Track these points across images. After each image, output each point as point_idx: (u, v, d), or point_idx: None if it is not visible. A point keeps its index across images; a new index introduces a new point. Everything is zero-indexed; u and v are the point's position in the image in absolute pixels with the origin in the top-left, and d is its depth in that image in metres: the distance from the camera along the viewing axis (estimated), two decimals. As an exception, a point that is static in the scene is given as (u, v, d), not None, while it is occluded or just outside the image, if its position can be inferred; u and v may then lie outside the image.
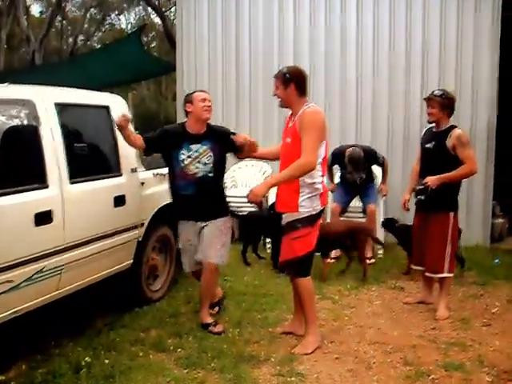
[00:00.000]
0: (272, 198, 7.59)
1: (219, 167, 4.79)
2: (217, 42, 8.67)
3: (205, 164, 4.68)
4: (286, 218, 4.33)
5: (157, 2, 21.02)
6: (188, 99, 4.77)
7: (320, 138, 4.20)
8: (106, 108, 4.80)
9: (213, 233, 4.73)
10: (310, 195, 4.24)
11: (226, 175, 7.73)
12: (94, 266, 4.44)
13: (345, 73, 8.11)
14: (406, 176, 6.86)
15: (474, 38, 7.63)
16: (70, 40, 27.46)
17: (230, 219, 4.98)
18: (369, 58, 8.03)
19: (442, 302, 5.15)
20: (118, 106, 4.96)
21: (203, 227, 4.74)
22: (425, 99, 5.23)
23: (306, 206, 4.25)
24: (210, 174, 4.70)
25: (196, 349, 4.34)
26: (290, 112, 4.41)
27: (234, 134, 4.86)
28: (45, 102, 4.06)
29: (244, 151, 4.82)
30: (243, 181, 8.21)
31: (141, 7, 27.80)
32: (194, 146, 4.67)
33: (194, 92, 4.84)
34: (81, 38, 26.37)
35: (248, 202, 4.27)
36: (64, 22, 27.86)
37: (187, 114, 4.77)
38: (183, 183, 4.69)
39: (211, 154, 4.70)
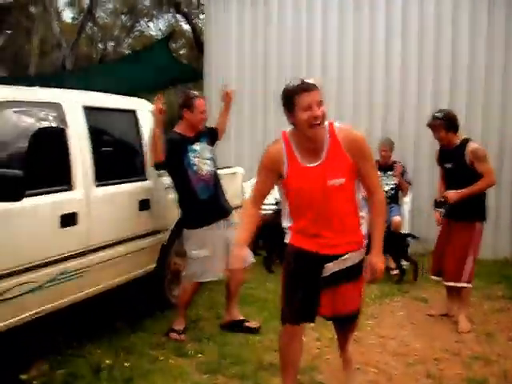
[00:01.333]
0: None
1: (215, 160, 4.85)
2: (245, 49, 8.65)
3: (208, 159, 4.72)
4: (354, 257, 3.32)
5: (186, 10, 21.15)
6: (188, 104, 4.63)
7: None
8: (133, 112, 4.84)
9: None
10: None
11: (247, 183, 7.84)
12: (117, 269, 4.47)
13: (373, 83, 8.06)
14: (432, 189, 6.83)
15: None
16: (100, 46, 27.77)
17: None
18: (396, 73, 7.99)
19: (462, 315, 5.06)
20: (145, 111, 4.99)
21: (225, 226, 4.72)
22: (428, 126, 5.17)
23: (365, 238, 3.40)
24: (214, 168, 4.75)
25: (216, 354, 4.33)
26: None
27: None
28: (73, 105, 4.11)
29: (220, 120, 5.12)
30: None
31: (170, 14, 28.01)
32: (195, 146, 4.66)
33: (195, 97, 4.67)
34: (111, 44, 26.64)
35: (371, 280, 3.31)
36: (95, 28, 28.19)
37: (181, 117, 4.69)
38: (202, 186, 4.62)
39: (209, 148, 4.80)
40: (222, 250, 4.65)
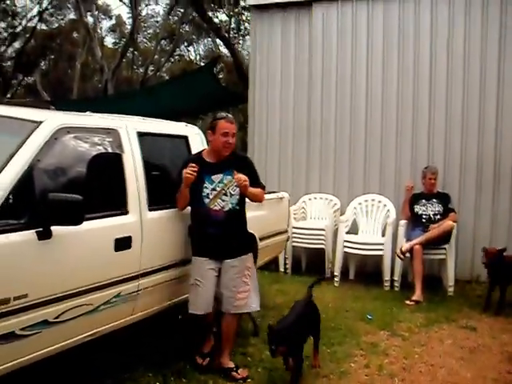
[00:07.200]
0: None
1: (244, 198, 4.46)
2: (290, 76, 8.71)
3: (231, 195, 4.39)
4: None
5: (226, 34, 21.43)
6: (212, 125, 4.40)
7: None
8: (185, 138, 4.92)
9: (238, 276, 4.41)
10: None
11: (295, 207, 7.87)
12: (168, 291, 4.51)
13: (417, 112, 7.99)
14: (479, 217, 6.76)
15: None
16: (141, 70, 28.27)
17: (251, 256, 4.59)
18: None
19: None
20: (196, 137, 5.07)
21: (223, 267, 4.42)
22: None
23: None
24: (238, 207, 4.42)
25: (266, 380, 4.33)
26: None
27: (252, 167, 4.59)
28: (128, 131, 4.21)
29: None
30: (312, 213, 8.22)
31: (209, 39, 28.44)
32: (215, 177, 4.38)
33: (220, 119, 4.39)
34: (151, 68, 27.08)
35: None
36: (135, 52, 28.75)
37: (207, 141, 4.54)
38: (210, 221, 4.37)
39: (237, 184, 4.34)
40: (207, 289, 4.39)
